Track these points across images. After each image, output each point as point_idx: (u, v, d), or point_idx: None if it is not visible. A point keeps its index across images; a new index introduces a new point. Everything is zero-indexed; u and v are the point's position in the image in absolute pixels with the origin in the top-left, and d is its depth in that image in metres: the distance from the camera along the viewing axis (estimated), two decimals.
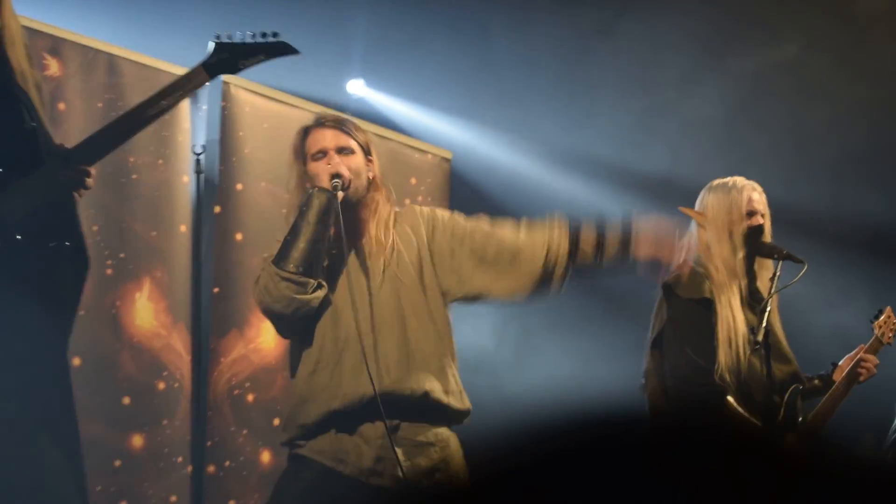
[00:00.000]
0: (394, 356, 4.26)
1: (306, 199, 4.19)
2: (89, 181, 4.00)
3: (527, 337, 7.09)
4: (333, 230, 4.27)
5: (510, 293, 4.35)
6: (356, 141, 4.37)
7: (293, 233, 4.18)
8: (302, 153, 4.37)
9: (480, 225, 4.38)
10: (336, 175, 4.21)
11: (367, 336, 4.25)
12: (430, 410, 4.25)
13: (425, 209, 4.49)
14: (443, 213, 4.44)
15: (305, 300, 4.20)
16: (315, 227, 4.18)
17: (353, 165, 4.30)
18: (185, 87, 4.13)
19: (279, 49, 4.31)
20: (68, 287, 4.15)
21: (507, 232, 4.33)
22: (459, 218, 4.43)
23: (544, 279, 4.31)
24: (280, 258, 4.15)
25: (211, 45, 4.15)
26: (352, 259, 4.33)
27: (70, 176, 3.97)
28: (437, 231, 4.38)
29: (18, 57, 3.97)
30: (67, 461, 4.05)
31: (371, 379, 4.18)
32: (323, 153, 4.28)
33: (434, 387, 4.22)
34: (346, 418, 4.21)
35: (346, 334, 4.29)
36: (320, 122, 4.40)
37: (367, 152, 4.40)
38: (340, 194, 4.23)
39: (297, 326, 4.31)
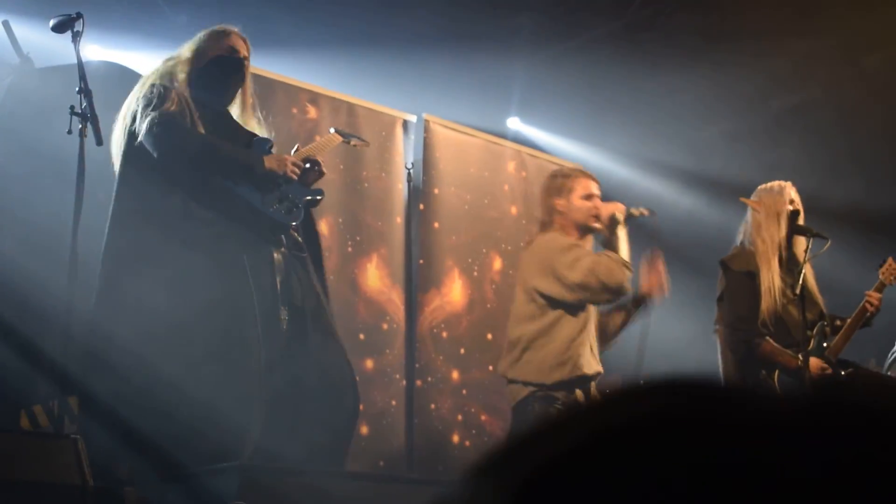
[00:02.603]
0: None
1: (611, 222, 4.77)
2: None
3: None
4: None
5: None
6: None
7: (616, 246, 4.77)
8: (566, 190, 4.88)
9: None
10: (629, 214, 4.83)
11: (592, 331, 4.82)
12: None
13: None
14: None
15: (627, 288, 4.73)
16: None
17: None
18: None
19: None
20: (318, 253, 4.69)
21: None
22: None
23: None
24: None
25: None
26: None
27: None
28: None
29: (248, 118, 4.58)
30: (342, 356, 4.54)
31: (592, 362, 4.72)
32: (590, 196, 4.86)
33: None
34: (571, 385, 4.66)
35: (581, 324, 4.76)
36: (585, 173, 4.99)
37: None
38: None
39: (583, 304, 4.72)
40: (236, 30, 4.56)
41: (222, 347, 4.06)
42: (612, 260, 4.69)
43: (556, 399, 4.66)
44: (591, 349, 4.77)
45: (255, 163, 4.32)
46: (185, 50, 4.45)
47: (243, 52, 4.52)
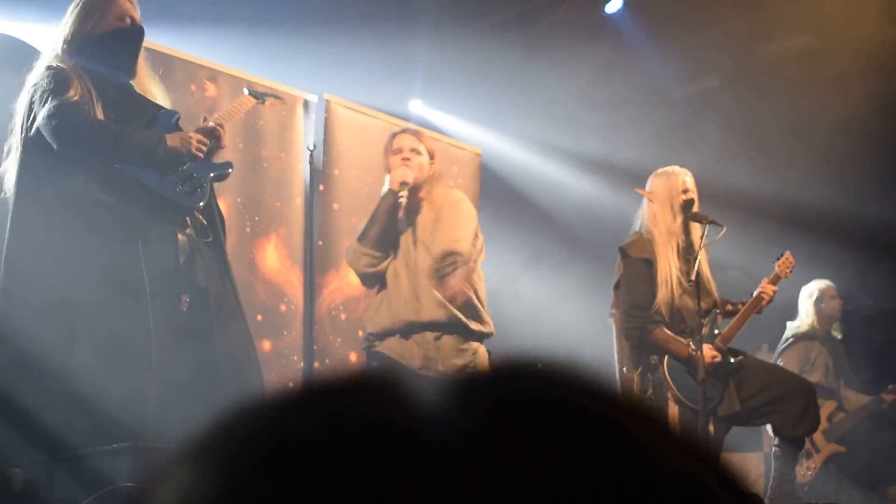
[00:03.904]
0: (436, 297, 4.83)
1: (382, 197, 4.86)
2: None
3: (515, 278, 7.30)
4: (401, 216, 4.87)
5: None
6: (424, 146, 5.00)
7: (372, 220, 4.86)
8: (388, 149, 5.00)
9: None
10: (403, 183, 4.83)
11: (415, 283, 4.82)
12: (464, 331, 4.81)
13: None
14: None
15: (375, 271, 4.82)
16: (386, 218, 4.85)
17: (419, 163, 4.94)
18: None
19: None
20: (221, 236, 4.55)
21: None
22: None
23: None
24: (362, 237, 4.86)
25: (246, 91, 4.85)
26: (409, 231, 4.89)
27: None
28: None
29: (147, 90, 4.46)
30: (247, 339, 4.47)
31: (419, 309, 4.77)
32: (399, 151, 4.93)
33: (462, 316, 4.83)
34: (405, 331, 4.78)
35: (405, 280, 4.83)
36: (403, 130, 5.06)
37: (430, 156, 5.00)
38: (403, 199, 4.85)
39: (373, 280, 4.94)
40: None
41: (113, 327, 4.00)
42: (353, 250, 5.05)
43: (374, 347, 4.85)
44: (418, 298, 4.82)
45: (158, 144, 4.22)
46: (74, 19, 4.28)
47: (137, 16, 4.36)
